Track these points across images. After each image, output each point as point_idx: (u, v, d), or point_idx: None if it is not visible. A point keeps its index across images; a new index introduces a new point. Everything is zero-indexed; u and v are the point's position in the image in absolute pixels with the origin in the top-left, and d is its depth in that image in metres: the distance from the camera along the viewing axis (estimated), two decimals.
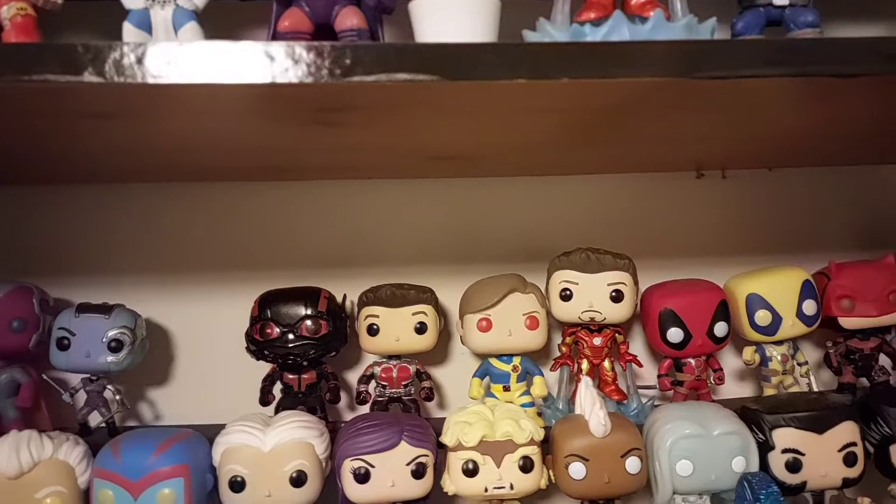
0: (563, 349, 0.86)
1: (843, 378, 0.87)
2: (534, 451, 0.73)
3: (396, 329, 0.83)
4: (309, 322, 0.82)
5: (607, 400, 0.84)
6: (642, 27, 0.55)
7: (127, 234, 0.92)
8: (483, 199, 0.94)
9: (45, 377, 0.85)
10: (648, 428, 0.76)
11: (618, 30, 0.54)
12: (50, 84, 0.47)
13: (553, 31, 0.57)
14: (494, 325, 0.82)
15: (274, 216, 0.93)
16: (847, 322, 0.85)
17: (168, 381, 0.93)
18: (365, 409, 0.85)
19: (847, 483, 0.74)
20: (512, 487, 0.72)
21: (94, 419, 0.84)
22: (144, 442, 0.72)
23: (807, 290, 0.83)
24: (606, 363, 0.85)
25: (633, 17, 0.57)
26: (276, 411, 0.82)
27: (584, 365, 0.85)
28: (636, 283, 0.83)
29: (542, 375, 0.85)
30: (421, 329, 0.83)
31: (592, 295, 0.82)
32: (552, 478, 0.74)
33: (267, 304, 0.83)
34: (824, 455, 0.73)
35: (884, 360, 0.87)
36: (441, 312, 0.86)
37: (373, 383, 0.85)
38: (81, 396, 0.84)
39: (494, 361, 0.84)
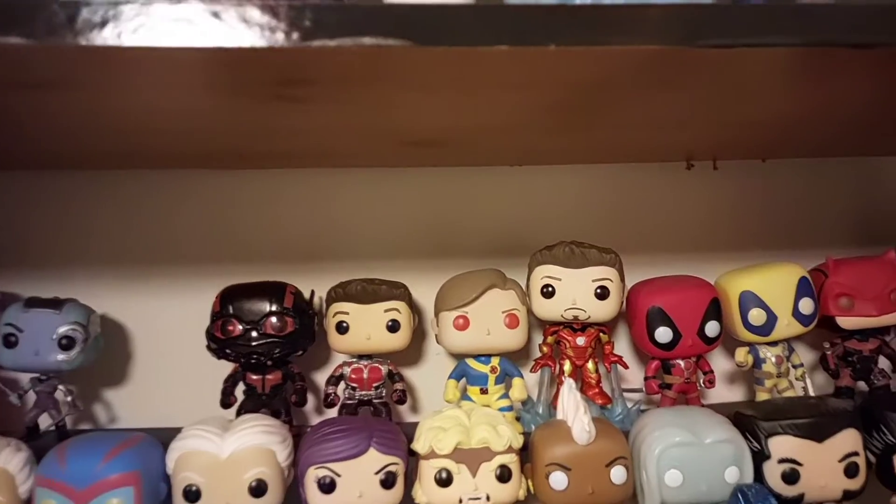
0: (545, 349, 0.82)
1: (840, 381, 0.83)
2: (512, 460, 0.68)
3: (367, 327, 0.78)
4: (274, 319, 0.77)
5: (591, 404, 0.79)
6: None
7: (81, 224, 0.86)
8: (461, 190, 0.89)
9: None
10: (635, 435, 0.71)
11: None
12: None
13: None
14: (472, 323, 0.77)
15: (239, 206, 0.88)
16: (845, 322, 0.81)
17: (125, 380, 0.87)
18: (333, 412, 0.80)
19: (848, 495, 0.69)
20: (488, 498, 0.67)
21: (46, 422, 0.79)
22: (92, 447, 0.66)
23: (803, 288, 0.79)
24: (590, 364, 0.81)
25: None
26: (238, 414, 0.77)
27: (567, 366, 0.80)
28: (623, 279, 0.79)
29: (522, 377, 0.80)
30: (393, 327, 0.78)
31: (576, 292, 0.77)
32: (531, 488, 0.69)
33: (229, 300, 0.78)
34: (824, 465, 0.68)
35: (883, 362, 0.83)
36: (415, 309, 0.81)
37: (342, 385, 0.80)
38: (31, 397, 0.79)
39: (471, 362, 0.79)
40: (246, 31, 0.44)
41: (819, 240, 0.93)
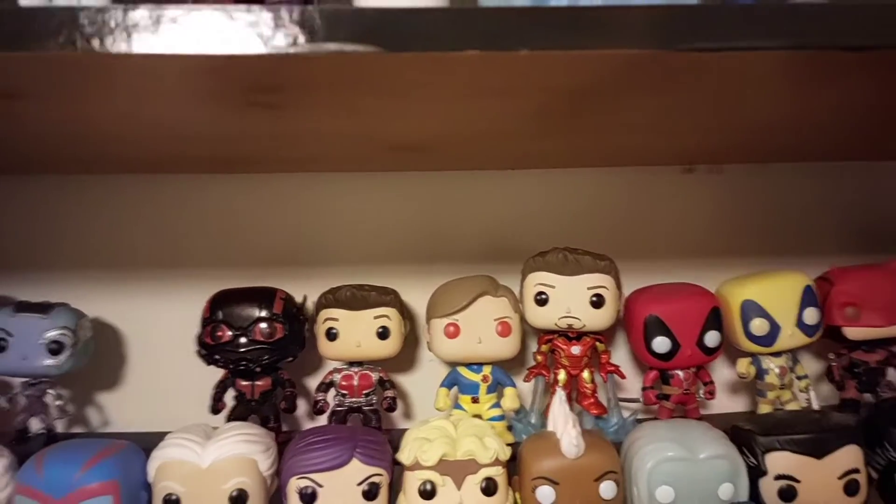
0: (539, 358, 0.80)
1: (845, 393, 0.80)
2: (498, 473, 0.66)
3: (357, 333, 0.77)
4: (263, 325, 0.76)
5: (585, 414, 0.78)
6: None
7: (74, 229, 0.87)
8: (454, 195, 0.88)
9: None
10: (627, 448, 0.69)
11: None
12: None
13: None
14: (463, 330, 0.75)
15: (232, 210, 0.88)
16: (851, 332, 0.78)
17: (117, 385, 0.88)
18: (323, 419, 0.79)
19: None
20: None
21: (37, 426, 0.79)
22: (71, 455, 0.65)
23: (808, 297, 0.77)
24: (586, 374, 0.79)
25: None
26: (228, 420, 0.76)
27: (562, 375, 0.79)
28: (619, 286, 0.77)
29: (515, 387, 0.78)
30: (383, 334, 0.77)
31: (570, 299, 0.75)
32: (518, 501, 0.67)
33: (219, 305, 0.77)
34: (823, 483, 0.65)
35: (891, 374, 0.80)
36: (406, 316, 0.80)
37: (332, 392, 0.79)
38: (21, 401, 0.78)
39: (463, 370, 0.78)
40: (208, 39, 0.42)
41: (824, 247, 0.90)
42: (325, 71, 0.46)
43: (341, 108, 0.55)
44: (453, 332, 0.75)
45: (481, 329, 0.76)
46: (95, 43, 0.43)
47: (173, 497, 0.64)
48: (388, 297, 0.78)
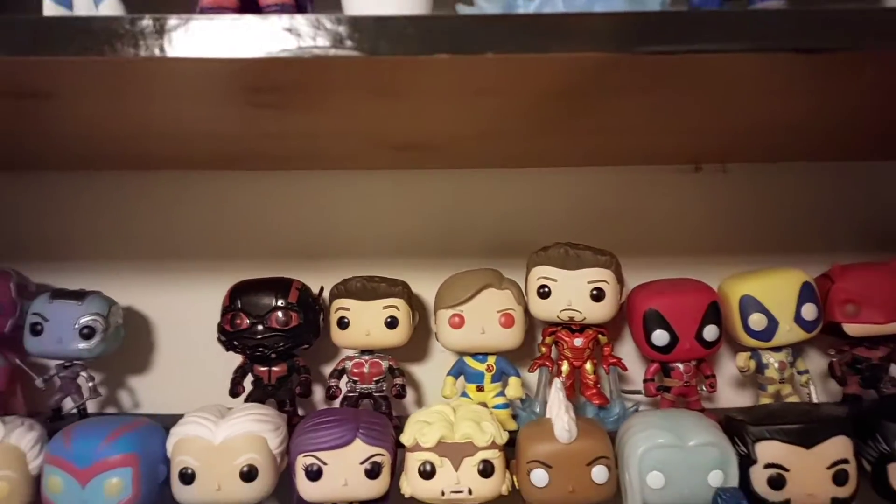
0: (543, 349, 0.83)
1: (847, 389, 0.81)
2: (495, 455, 0.69)
3: (367, 323, 0.80)
4: (279, 313, 0.80)
5: (587, 404, 0.80)
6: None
7: (109, 222, 0.93)
8: (462, 192, 0.92)
9: (18, 362, 0.85)
10: (622, 435, 0.71)
11: (550, 2, 0.50)
12: None
13: (485, 4, 0.53)
14: (467, 321, 0.78)
15: (253, 206, 0.92)
16: (851, 329, 0.79)
17: (147, 369, 0.93)
18: (336, 404, 0.83)
19: (837, 503, 0.68)
20: (470, 492, 0.68)
21: (70, 405, 0.83)
22: (95, 430, 0.70)
23: (806, 293, 0.78)
24: (588, 365, 0.81)
25: None
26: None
27: (565, 367, 0.81)
28: (620, 281, 0.79)
29: (518, 376, 0.81)
30: (392, 323, 0.80)
31: (571, 293, 0.78)
32: (515, 484, 0.70)
33: (238, 295, 0.81)
34: (811, 472, 0.67)
35: (894, 370, 0.80)
36: (415, 307, 0.83)
37: (344, 378, 0.83)
38: (56, 382, 0.83)
39: (469, 360, 0.81)
40: (206, 44, 0.47)
41: (828, 245, 0.91)
42: (313, 72, 0.50)
43: (336, 109, 0.59)
44: (458, 323, 0.78)
45: (485, 320, 0.79)
46: (121, 49, 0.47)
47: (188, 471, 0.69)
48: (397, 289, 0.81)
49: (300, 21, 0.46)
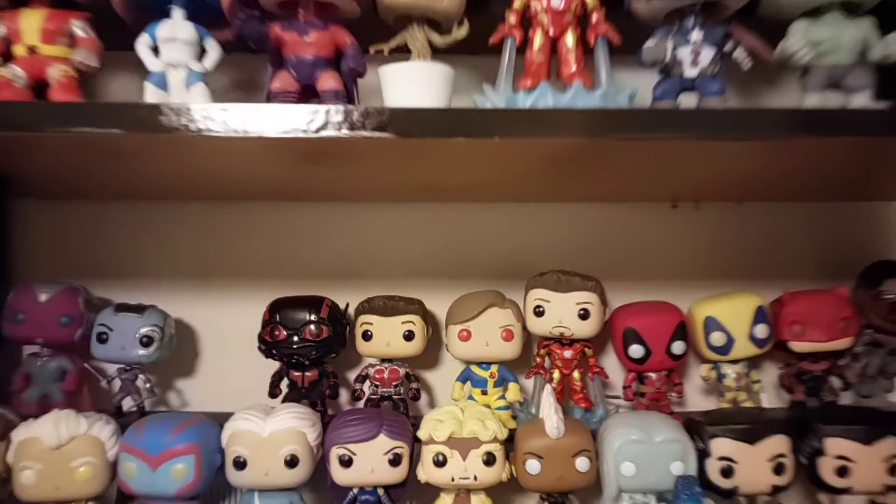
0: (538, 360, 0.95)
1: (794, 396, 0.94)
2: (496, 448, 0.82)
3: (387, 335, 0.93)
4: (312, 327, 0.92)
5: (575, 407, 0.94)
6: (564, 96, 0.65)
7: (163, 245, 1.04)
8: (471, 223, 1.03)
9: (86, 366, 0.97)
10: (602, 432, 0.85)
11: (543, 98, 0.64)
12: (85, 134, 0.60)
13: (494, 97, 0.67)
14: (473, 335, 0.91)
15: (287, 232, 1.04)
16: (797, 346, 0.92)
17: (193, 373, 1.05)
18: (360, 405, 0.96)
19: (776, 490, 0.82)
20: (475, 478, 0.82)
21: (129, 404, 0.96)
22: (163, 424, 0.84)
23: (759, 316, 0.91)
24: (576, 374, 0.94)
25: (563, 86, 0.68)
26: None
27: (556, 375, 0.94)
28: (603, 302, 0.92)
29: (517, 382, 0.94)
30: (409, 336, 0.93)
31: (562, 312, 0.91)
32: (514, 472, 0.84)
33: (276, 310, 0.94)
34: (755, 464, 0.81)
35: (834, 381, 0.94)
36: (429, 322, 0.96)
37: (367, 383, 0.95)
38: (118, 383, 0.96)
39: (475, 368, 0.94)
40: (278, 125, 0.61)
41: (783, 273, 1.03)
42: (359, 147, 0.64)
43: (375, 167, 0.73)
44: (465, 337, 0.92)
45: (489, 334, 0.92)
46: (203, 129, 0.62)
47: (241, 459, 0.82)
48: (414, 306, 0.94)
49: (354, 112, 0.60)
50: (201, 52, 0.72)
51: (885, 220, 1.05)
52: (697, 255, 1.05)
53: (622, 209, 1.04)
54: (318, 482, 0.86)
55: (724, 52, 0.74)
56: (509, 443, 0.85)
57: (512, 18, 0.73)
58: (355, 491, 0.85)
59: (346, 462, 0.83)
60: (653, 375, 0.93)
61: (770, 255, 1.05)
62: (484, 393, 0.94)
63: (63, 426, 0.80)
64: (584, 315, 0.91)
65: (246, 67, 0.85)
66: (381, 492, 0.85)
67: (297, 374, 0.95)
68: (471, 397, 0.94)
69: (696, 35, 0.74)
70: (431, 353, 1.00)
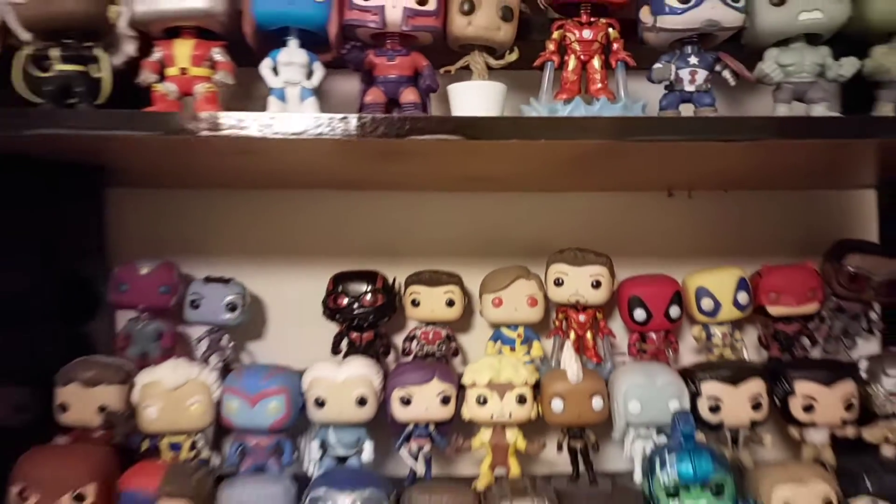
0: (556, 323, 1.12)
1: (771, 353, 1.12)
2: (527, 391, 1.00)
3: (432, 303, 1.09)
4: (369, 296, 1.08)
5: (588, 362, 1.12)
6: (593, 107, 0.85)
7: (238, 228, 1.20)
8: (502, 209, 1.20)
9: (179, 329, 1.15)
10: (612, 379, 1.03)
11: (577, 109, 0.84)
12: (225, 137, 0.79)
13: (538, 107, 0.87)
14: (504, 302, 1.09)
15: (348, 217, 1.20)
16: (773, 310, 1.09)
17: (264, 337, 1.21)
18: (408, 360, 1.13)
19: (754, 424, 1.00)
20: (510, 416, 1.00)
21: (213, 361, 1.10)
22: (258, 370, 1.02)
23: (741, 285, 1.08)
24: (589, 335, 1.11)
25: (591, 99, 0.88)
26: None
27: (572, 335, 1.10)
28: (613, 275, 1.10)
29: (540, 341, 1.11)
30: (450, 303, 1.09)
31: (578, 283, 1.08)
32: (541, 411, 1.02)
33: (339, 281, 1.10)
34: (737, 402, 0.99)
35: (804, 341, 1.11)
36: (466, 292, 1.13)
37: (415, 342, 1.12)
38: (205, 343, 1.11)
39: (504, 329, 1.11)
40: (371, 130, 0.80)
41: (762, 251, 1.19)
42: (435, 147, 0.83)
43: (440, 162, 0.92)
44: (498, 303, 1.09)
45: (517, 302, 1.09)
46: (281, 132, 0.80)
47: (320, 400, 0.99)
48: (454, 279, 1.10)
49: (433, 120, 0.79)
50: (310, 73, 0.89)
51: (846, 206, 1.23)
52: (690, 236, 1.22)
53: (627, 197, 1.21)
54: (380, 419, 1.03)
55: (714, 72, 0.93)
56: (535, 389, 1.03)
57: (551, 46, 0.93)
58: (411, 427, 1.02)
59: (406, 402, 1.01)
60: (653, 335, 1.10)
61: (751, 235, 1.22)
62: (512, 350, 1.10)
63: (180, 371, 0.98)
64: (597, 285, 1.08)
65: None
66: (432, 427, 1.02)
67: (355, 335, 1.11)
68: (500, 353, 1.11)
69: (693, 59, 0.93)
70: (466, 318, 1.17)
